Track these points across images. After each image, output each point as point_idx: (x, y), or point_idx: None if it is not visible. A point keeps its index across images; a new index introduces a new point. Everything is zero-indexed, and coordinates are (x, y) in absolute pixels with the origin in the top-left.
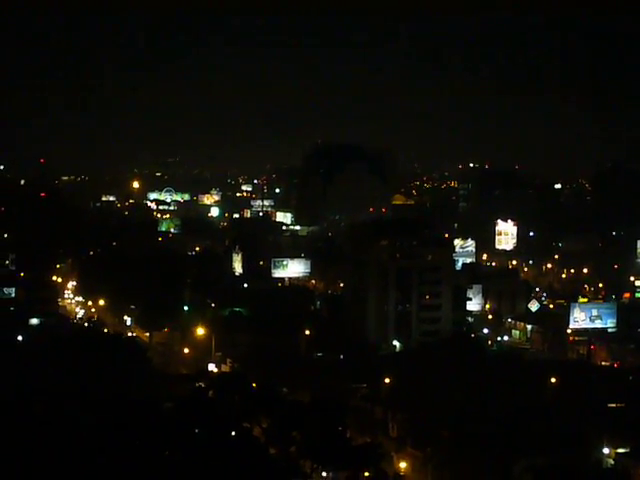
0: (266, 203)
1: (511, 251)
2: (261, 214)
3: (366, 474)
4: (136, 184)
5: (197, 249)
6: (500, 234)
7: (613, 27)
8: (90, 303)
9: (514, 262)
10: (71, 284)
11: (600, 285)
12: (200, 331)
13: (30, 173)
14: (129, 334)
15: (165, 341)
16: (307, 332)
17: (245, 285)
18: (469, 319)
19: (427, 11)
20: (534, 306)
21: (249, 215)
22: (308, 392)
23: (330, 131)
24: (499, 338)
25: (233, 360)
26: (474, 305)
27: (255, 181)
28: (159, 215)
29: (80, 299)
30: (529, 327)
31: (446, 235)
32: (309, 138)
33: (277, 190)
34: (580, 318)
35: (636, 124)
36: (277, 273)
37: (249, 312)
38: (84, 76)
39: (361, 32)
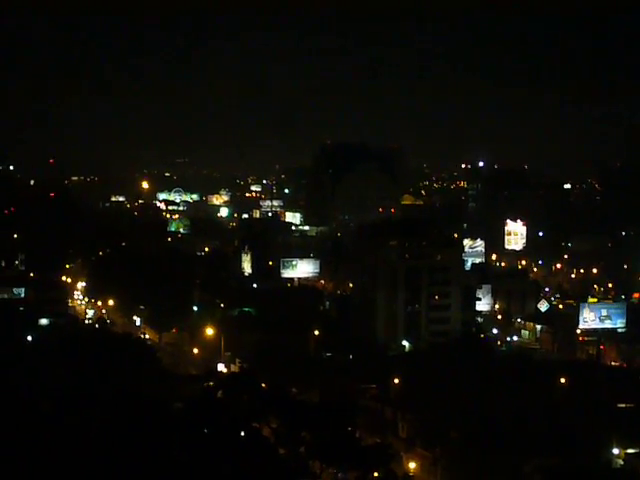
0: (275, 203)
1: (520, 251)
2: (270, 214)
3: (375, 474)
4: (145, 184)
5: (206, 249)
6: (509, 234)
7: (623, 25)
8: (100, 303)
9: (523, 262)
10: (80, 284)
11: (609, 285)
12: (209, 331)
13: (40, 173)
14: (139, 334)
15: (174, 341)
16: (316, 332)
17: (254, 285)
18: (478, 319)
19: (436, 9)
20: (543, 306)
21: (258, 215)
22: (317, 392)
23: (339, 131)
24: (508, 338)
25: (242, 360)
26: (483, 305)
27: (264, 181)
28: (168, 215)
29: (89, 299)
30: (538, 327)
31: (455, 235)
32: (318, 138)
33: (286, 190)
34: (589, 318)
35: None
36: (286, 273)
37: (258, 312)
38: (93, 77)
39: (371, 31)
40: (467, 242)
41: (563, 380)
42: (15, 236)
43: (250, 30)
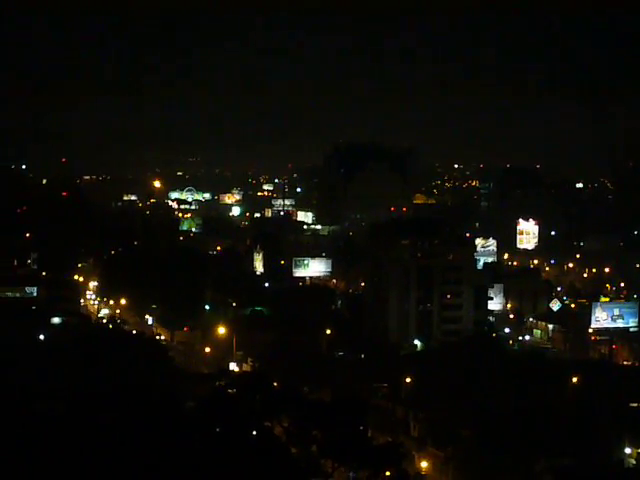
0: (287, 202)
1: (532, 250)
2: (282, 213)
3: (387, 474)
4: (157, 183)
5: (218, 248)
6: (521, 233)
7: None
8: (112, 302)
9: (535, 261)
10: (92, 283)
11: (622, 284)
12: (221, 330)
13: (52, 172)
14: (151, 333)
15: (186, 340)
16: (328, 331)
17: (266, 284)
18: (490, 318)
19: (449, 9)
20: (555, 305)
21: (270, 214)
22: (329, 391)
23: (351, 130)
24: (520, 338)
25: (254, 359)
26: (495, 304)
27: (276, 180)
28: (180, 214)
29: (102, 298)
30: (550, 327)
31: (467, 234)
32: (330, 137)
33: (298, 189)
34: (602, 317)
35: None
36: (298, 272)
37: (270, 311)
38: (106, 76)
39: (384, 30)
40: (479, 241)
41: (575, 379)
42: (27, 235)
43: (263, 29)
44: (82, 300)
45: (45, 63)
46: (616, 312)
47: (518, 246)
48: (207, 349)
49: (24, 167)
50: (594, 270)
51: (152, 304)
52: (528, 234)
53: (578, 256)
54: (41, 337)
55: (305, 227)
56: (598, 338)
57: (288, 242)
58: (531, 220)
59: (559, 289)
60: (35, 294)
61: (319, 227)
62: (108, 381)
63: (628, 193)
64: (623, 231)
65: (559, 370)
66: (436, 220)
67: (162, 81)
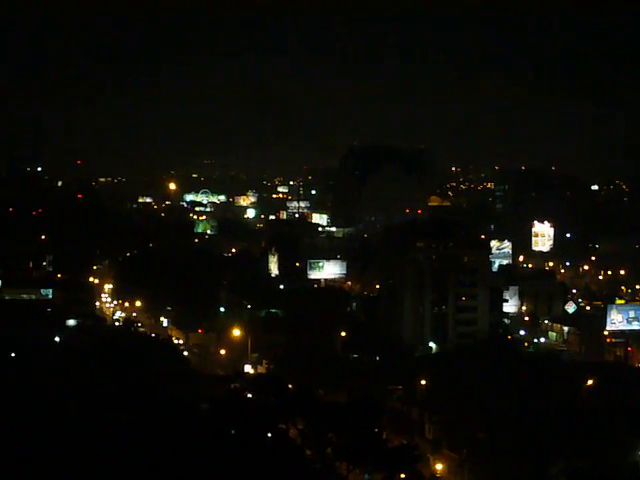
0: (302, 204)
1: (548, 253)
2: (297, 215)
3: (402, 476)
4: (173, 186)
5: (233, 250)
6: (537, 235)
7: None
8: (127, 304)
9: (551, 264)
10: (108, 286)
11: (637, 286)
12: (236, 332)
13: (67, 175)
14: (166, 335)
15: (201, 342)
16: (343, 333)
17: (281, 286)
18: (505, 321)
19: (464, 10)
20: (571, 308)
21: (285, 216)
22: (344, 393)
23: (366, 132)
24: (536, 340)
25: (269, 361)
26: (510, 307)
27: (291, 183)
28: (195, 216)
29: (117, 300)
30: (566, 329)
31: (482, 236)
32: (345, 139)
33: (313, 192)
34: (617, 320)
35: None
36: (313, 274)
37: (285, 313)
38: (120, 78)
39: (398, 31)
40: (494, 243)
41: (590, 382)
42: (43, 237)
43: (278, 30)
44: (97, 302)
45: (61, 64)
46: (632, 314)
47: (533, 248)
48: (222, 351)
49: (40, 169)
50: (609, 272)
51: (167, 306)
52: (543, 236)
53: (593, 258)
54: (56, 339)
55: (320, 229)
56: (613, 340)
57: (303, 244)
58: (546, 222)
59: (574, 291)
60: (50, 296)
61: (334, 229)
62: (123, 383)
63: None
64: (638, 233)
65: (574, 372)
66: (451, 222)
67: (177, 83)
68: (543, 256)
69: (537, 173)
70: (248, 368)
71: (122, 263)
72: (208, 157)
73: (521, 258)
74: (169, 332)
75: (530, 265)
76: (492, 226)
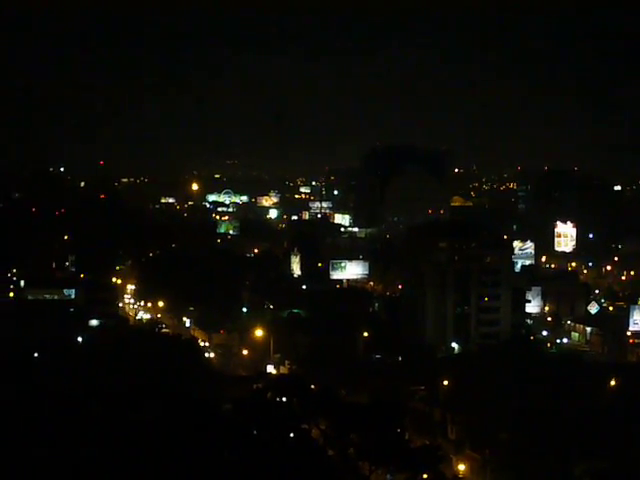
0: (324, 205)
1: (570, 253)
2: (319, 216)
3: (425, 476)
4: (195, 186)
5: (256, 251)
6: (559, 236)
7: None
8: (149, 304)
9: (573, 264)
10: (130, 286)
11: None
12: (259, 333)
13: (90, 175)
14: (189, 336)
15: (224, 342)
16: (365, 334)
17: (303, 287)
18: (528, 321)
19: (490, 8)
20: (593, 308)
21: (307, 217)
22: (366, 394)
23: (388, 133)
24: (558, 340)
25: (292, 362)
26: (533, 307)
27: (313, 183)
28: (218, 217)
29: (139, 301)
30: (588, 329)
31: (505, 237)
32: (367, 140)
33: (335, 192)
34: None
35: None
36: (335, 275)
37: (308, 314)
38: (144, 78)
39: (420, 32)
40: (517, 244)
41: (613, 382)
42: (65, 238)
43: (298, 30)
44: (120, 302)
45: (84, 64)
46: None
47: (556, 248)
48: (245, 351)
49: (62, 169)
50: (632, 273)
51: (190, 306)
52: (566, 236)
53: (616, 259)
54: (79, 339)
55: (342, 229)
56: (636, 341)
57: (325, 245)
58: (569, 222)
59: (597, 292)
60: (73, 296)
61: (356, 229)
62: (145, 383)
63: None
64: None
65: (597, 373)
66: (473, 222)
67: (200, 84)
68: (566, 256)
69: (560, 173)
70: (270, 368)
71: (145, 263)
72: (231, 157)
73: (544, 258)
74: (192, 332)
75: (553, 265)
76: (514, 226)
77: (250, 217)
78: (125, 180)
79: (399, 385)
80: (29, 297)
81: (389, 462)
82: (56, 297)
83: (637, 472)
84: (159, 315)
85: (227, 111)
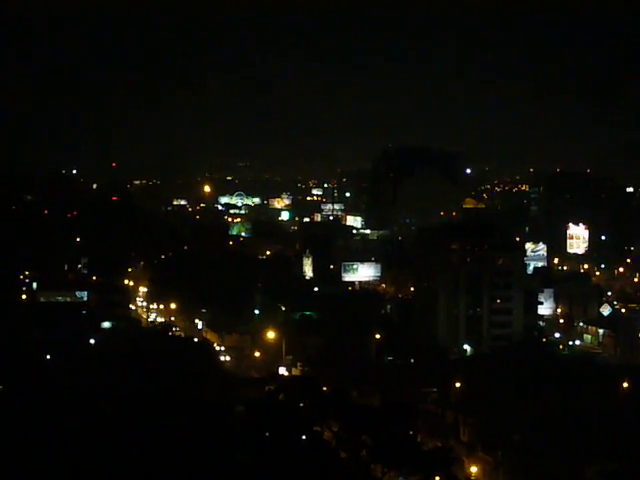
0: (336, 207)
1: (583, 255)
2: (331, 218)
3: (437, 478)
4: (207, 188)
5: (268, 253)
6: (572, 238)
7: None
8: (161, 307)
9: (586, 266)
10: (142, 288)
11: None
12: (271, 334)
13: (102, 177)
14: (202, 338)
15: (236, 344)
16: (377, 336)
17: (315, 289)
18: (540, 323)
19: (503, 11)
20: (606, 310)
21: (319, 219)
22: (379, 396)
23: (400, 134)
24: (571, 342)
25: (304, 364)
26: (545, 309)
27: (325, 185)
28: (230, 219)
29: (151, 303)
30: (601, 331)
31: (517, 239)
32: (379, 142)
33: (347, 194)
34: None
35: None
36: (347, 277)
37: (320, 316)
38: (156, 80)
39: (431, 33)
40: (529, 246)
41: (626, 384)
42: (78, 240)
43: (310, 31)
44: (132, 304)
45: (95, 66)
46: None
47: (568, 250)
48: (257, 353)
49: (74, 172)
50: None
51: (202, 308)
52: (578, 238)
53: (629, 260)
54: (91, 341)
55: (354, 231)
56: None
57: (337, 247)
58: (581, 224)
59: (609, 294)
60: (85, 298)
61: (368, 231)
62: (158, 385)
63: None
64: None
65: (609, 375)
66: (486, 224)
67: (212, 85)
68: (578, 258)
69: (572, 175)
70: (282, 370)
71: (157, 265)
72: (243, 160)
73: (556, 260)
74: (204, 334)
75: (565, 267)
76: (527, 228)
77: (262, 219)
78: (137, 182)
79: (411, 387)
80: (41, 299)
81: (401, 464)
82: (68, 299)
83: None
84: (172, 318)
85: (240, 113)
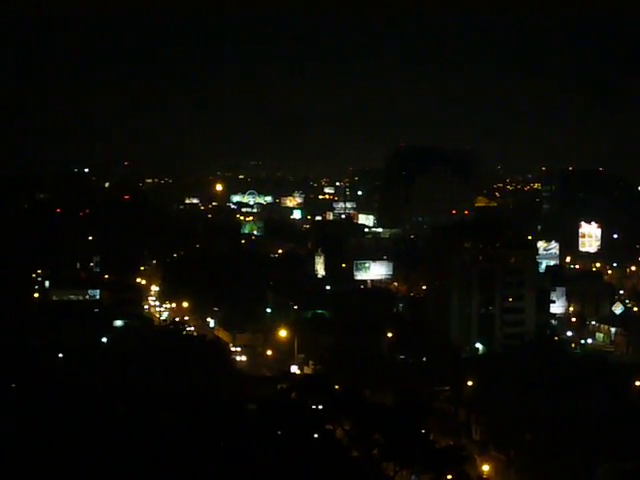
0: (348, 205)
1: (595, 253)
2: (343, 216)
3: (449, 477)
4: (219, 187)
5: (280, 251)
6: (584, 236)
7: None
8: (174, 305)
9: (598, 264)
10: (155, 287)
11: None
12: (283, 333)
13: (114, 176)
14: (214, 336)
15: (248, 343)
16: (389, 334)
17: (327, 287)
18: (553, 322)
19: (521, 8)
20: (618, 309)
21: (331, 217)
22: (391, 394)
23: (413, 133)
24: (583, 341)
25: (316, 362)
26: (558, 308)
27: (337, 183)
28: (242, 217)
29: (164, 301)
30: (613, 330)
31: (529, 237)
32: (391, 140)
33: (359, 192)
34: None
35: None
36: (359, 275)
37: (332, 314)
38: (168, 80)
39: (445, 31)
40: (541, 244)
41: (638, 383)
42: (90, 238)
43: (321, 30)
44: (144, 303)
45: (109, 66)
46: None
47: (580, 249)
48: (269, 352)
49: (87, 170)
50: None
51: (214, 307)
52: (590, 237)
53: None
54: (104, 340)
55: (366, 230)
56: None
57: (349, 245)
58: (593, 223)
59: (621, 292)
60: (98, 297)
61: (380, 230)
62: (170, 383)
63: None
64: None
65: (621, 373)
66: (498, 223)
67: (224, 85)
68: (590, 257)
69: (584, 173)
70: (295, 369)
71: (169, 264)
72: (255, 158)
73: (568, 259)
74: (216, 333)
75: (577, 266)
76: (539, 227)
77: (274, 217)
78: (149, 181)
79: (423, 385)
80: (54, 298)
81: (413, 463)
82: (81, 298)
83: None
84: (186, 318)
85: (252, 112)
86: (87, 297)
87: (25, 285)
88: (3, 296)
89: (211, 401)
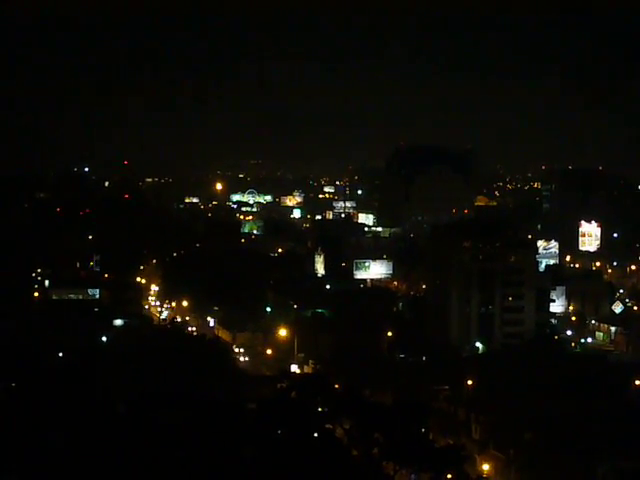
0: (348, 204)
1: (595, 252)
2: (343, 215)
3: (449, 476)
4: (219, 186)
5: (279, 250)
6: (584, 235)
7: None
8: (174, 304)
9: (598, 264)
10: (155, 286)
11: None
12: (283, 332)
13: (114, 175)
14: (214, 336)
15: (248, 342)
16: (389, 333)
17: (327, 286)
18: (552, 321)
19: (519, 8)
20: (618, 308)
21: (331, 216)
22: (390, 393)
23: (412, 132)
24: (582, 340)
25: (315, 361)
26: (557, 307)
27: (337, 183)
28: (242, 217)
29: (164, 300)
30: (613, 329)
31: (529, 236)
32: (391, 139)
33: (359, 191)
34: None
35: None
36: (359, 274)
37: (331, 313)
38: (169, 79)
39: (445, 31)
40: (541, 243)
41: (638, 382)
42: (90, 237)
43: (322, 30)
44: (144, 302)
45: (110, 66)
46: None
47: (580, 248)
48: (269, 351)
49: (87, 169)
50: None
51: (214, 306)
52: (590, 236)
53: None
54: (103, 339)
55: (366, 229)
56: None
57: (349, 244)
58: (593, 222)
59: (621, 291)
60: (98, 296)
61: (380, 229)
62: (170, 382)
63: None
64: None
65: (621, 373)
66: (498, 222)
67: (225, 85)
68: (590, 256)
69: (584, 173)
70: (294, 368)
71: (169, 263)
72: (255, 157)
73: (568, 258)
74: (216, 332)
75: (577, 265)
76: (539, 226)
77: (274, 217)
78: (149, 180)
79: (423, 385)
80: (54, 297)
81: (413, 462)
82: (81, 297)
83: None
84: (187, 318)
85: (252, 112)
86: (87, 296)
87: (25, 284)
88: (3, 295)
89: (211, 400)
